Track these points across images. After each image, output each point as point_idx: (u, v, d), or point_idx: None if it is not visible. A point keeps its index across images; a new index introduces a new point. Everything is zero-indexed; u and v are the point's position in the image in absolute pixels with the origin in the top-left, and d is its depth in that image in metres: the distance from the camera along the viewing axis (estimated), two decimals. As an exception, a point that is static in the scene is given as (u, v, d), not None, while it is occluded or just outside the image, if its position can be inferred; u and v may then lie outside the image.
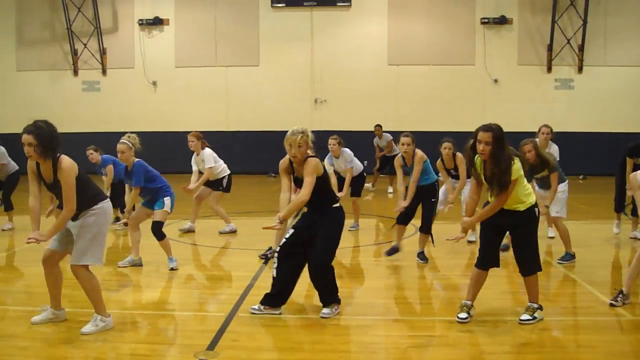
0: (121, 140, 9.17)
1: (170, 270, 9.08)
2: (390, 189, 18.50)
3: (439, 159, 10.35)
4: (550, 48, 23.97)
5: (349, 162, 11.91)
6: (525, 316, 6.64)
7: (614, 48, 23.82)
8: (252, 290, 7.89)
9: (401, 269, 9.24)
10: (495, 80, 24.20)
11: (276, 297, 6.98)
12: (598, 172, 21.42)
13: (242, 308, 7.17)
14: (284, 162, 7.05)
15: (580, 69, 24.16)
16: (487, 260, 6.79)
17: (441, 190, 10.57)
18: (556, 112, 23.02)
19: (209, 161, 11.75)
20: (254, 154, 22.13)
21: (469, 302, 6.80)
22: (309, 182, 6.76)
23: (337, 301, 7.02)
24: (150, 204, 9.39)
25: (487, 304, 7.27)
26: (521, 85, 23.69)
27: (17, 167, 12.46)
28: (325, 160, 11.88)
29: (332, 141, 12.01)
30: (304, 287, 7.73)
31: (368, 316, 7.10)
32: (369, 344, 6.25)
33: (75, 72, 25.51)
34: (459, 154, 10.11)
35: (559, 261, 9.41)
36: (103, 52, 25.41)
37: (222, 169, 12.08)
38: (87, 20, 25.05)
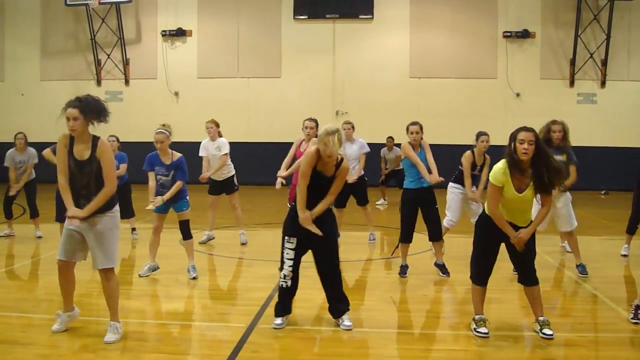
0: (158, 130, 8.95)
1: (190, 279, 9.13)
2: (381, 201, 18.64)
3: (469, 152, 10.19)
4: (573, 62, 23.89)
5: (364, 148, 11.81)
6: (549, 330, 6.56)
7: (638, 63, 23.70)
8: (272, 302, 7.86)
9: (419, 282, 9.18)
10: (517, 94, 24.14)
11: (289, 304, 7.04)
12: (620, 188, 21.27)
13: (263, 320, 7.17)
14: (314, 157, 6.76)
15: (603, 84, 24.05)
16: (486, 277, 6.73)
17: (451, 198, 10.47)
18: (578, 127, 22.71)
19: (226, 147, 11.61)
20: (274, 165, 21.98)
21: (484, 316, 6.75)
22: (339, 188, 6.86)
23: (349, 308, 7.03)
24: (161, 208, 9.18)
25: (507, 319, 7.25)
26: (543, 100, 23.53)
27: (35, 175, 12.57)
28: None
29: (346, 126, 11.93)
30: (323, 300, 7.73)
31: (387, 329, 7.09)
32: (388, 357, 6.23)
33: (99, 82, 25.76)
34: (487, 156, 10.12)
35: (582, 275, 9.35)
36: (126, 62, 25.65)
37: (231, 166, 12.01)
38: (111, 31, 25.30)
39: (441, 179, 9.20)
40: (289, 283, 6.93)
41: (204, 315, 7.78)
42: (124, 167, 11.80)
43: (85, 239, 6.35)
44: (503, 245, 6.69)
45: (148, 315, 7.62)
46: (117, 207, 6.49)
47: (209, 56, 25.34)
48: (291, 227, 6.94)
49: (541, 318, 6.67)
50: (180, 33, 25.30)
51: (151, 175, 9.08)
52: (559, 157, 8.88)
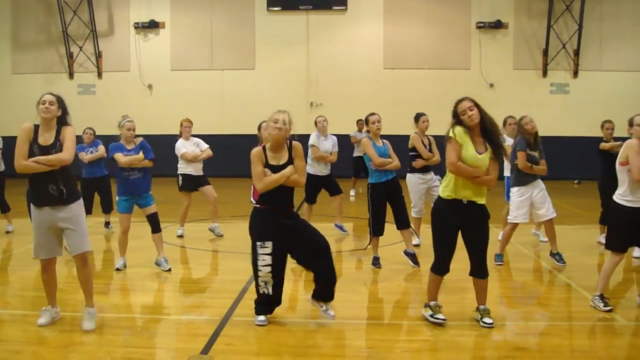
0: (129, 119, 9.25)
1: (165, 271, 9.17)
2: (353, 192, 18.67)
3: (414, 134, 10.36)
4: (545, 53, 24.04)
5: (335, 146, 11.85)
6: (490, 319, 6.64)
7: (610, 53, 23.91)
8: (246, 295, 7.87)
9: (392, 273, 9.20)
10: (491, 85, 24.24)
11: (274, 305, 6.85)
12: (593, 177, 21.21)
13: (236, 312, 7.16)
14: (258, 152, 6.80)
15: (575, 74, 24.24)
16: (444, 266, 6.69)
17: (412, 188, 10.49)
18: (551, 117, 23.04)
19: (203, 143, 11.81)
20: (249, 157, 21.87)
21: (438, 302, 6.79)
22: (303, 168, 6.79)
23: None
24: (129, 207, 9.23)
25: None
26: (516, 90, 23.70)
27: (3, 168, 12.44)
28: (312, 136, 11.77)
29: (320, 118, 11.93)
30: (298, 291, 7.73)
31: (361, 320, 7.11)
32: (363, 349, 6.23)
33: (71, 75, 25.52)
34: (431, 137, 10.44)
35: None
36: (99, 55, 25.42)
37: None
38: (83, 24, 25.06)
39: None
40: (270, 290, 6.64)
41: (177, 308, 7.73)
42: (101, 147, 11.88)
43: (60, 229, 6.48)
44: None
45: (122, 308, 7.58)
46: (81, 199, 6.65)
47: (182, 48, 25.19)
48: (263, 231, 6.67)
49: (482, 307, 6.74)
50: (153, 25, 25.11)
51: (119, 154, 9.11)
52: (535, 153, 9.34)
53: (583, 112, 23.73)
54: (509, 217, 9.63)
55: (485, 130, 6.45)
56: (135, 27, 25.19)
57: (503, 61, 24.32)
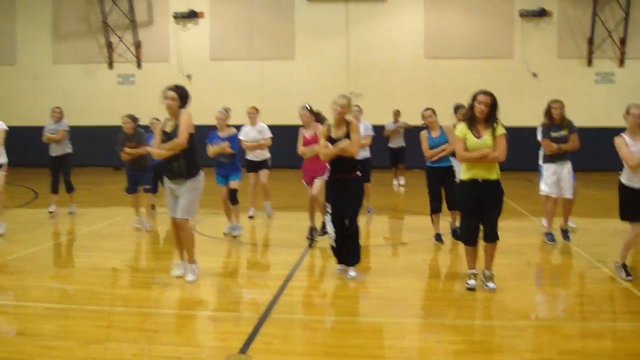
0: (221, 110, 11.13)
1: (233, 237, 10.86)
2: (396, 182, 19.18)
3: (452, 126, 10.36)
4: (590, 41, 23.53)
5: (369, 130, 12.38)
6: (493, 284, 7.61)
7: (657, 41, 23.32)
8: (285, 291, 7.74)
9: (439, 268, 9.09)
10: (534, 74, 23.82)
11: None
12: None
13: (275, 309, 7.02)
14: (324, 128, 8.39)
15: (621, 62, 23.70)
16: (473, 237, 7.67)
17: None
18: (596, 107, 22.60)
19: (268, 131, 12.81)
20: (288, 147, 21.75)
21: (475, 271, 7.77)
22: (356, 141, 8.12)
23: (357, 262, 8.40)
24: (226, 180, 11.08)
25: (527, 306, 7.06)
26: (561, 79, 23.23)
27: (71, 150, 13.75)
28: None
29: (356, 107, 12.44)
30: (337, 289, 7.57)
31: (405, 318, 6.92)
32: (405, 349, 6.03)
33: (111, 65, 25.62)
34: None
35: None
36: (138, 45, 25.48)
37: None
38: (123, 14, 25.14)
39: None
40: (334, 244, 8.35)
41: (216, 305, 7.62)
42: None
43: (177, 197, 8.03)
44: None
45: (161, 304, 7.47)
46: (202, 174, 8.16)
47: (221, 38, 25.14)
48: (327, 194, 8.42)
49: (488, 272, 7.73)
50: (192, 15, 25.10)
51: (209, 145, 11.04)
52: (562, 132, 10.24)
53: (629, 101, 22.85)
54: (549, 192, 10.47)
55: (491, 120, 7.59)
56: (175, 17, 25.20)
57: (547, 50, 23.87)
